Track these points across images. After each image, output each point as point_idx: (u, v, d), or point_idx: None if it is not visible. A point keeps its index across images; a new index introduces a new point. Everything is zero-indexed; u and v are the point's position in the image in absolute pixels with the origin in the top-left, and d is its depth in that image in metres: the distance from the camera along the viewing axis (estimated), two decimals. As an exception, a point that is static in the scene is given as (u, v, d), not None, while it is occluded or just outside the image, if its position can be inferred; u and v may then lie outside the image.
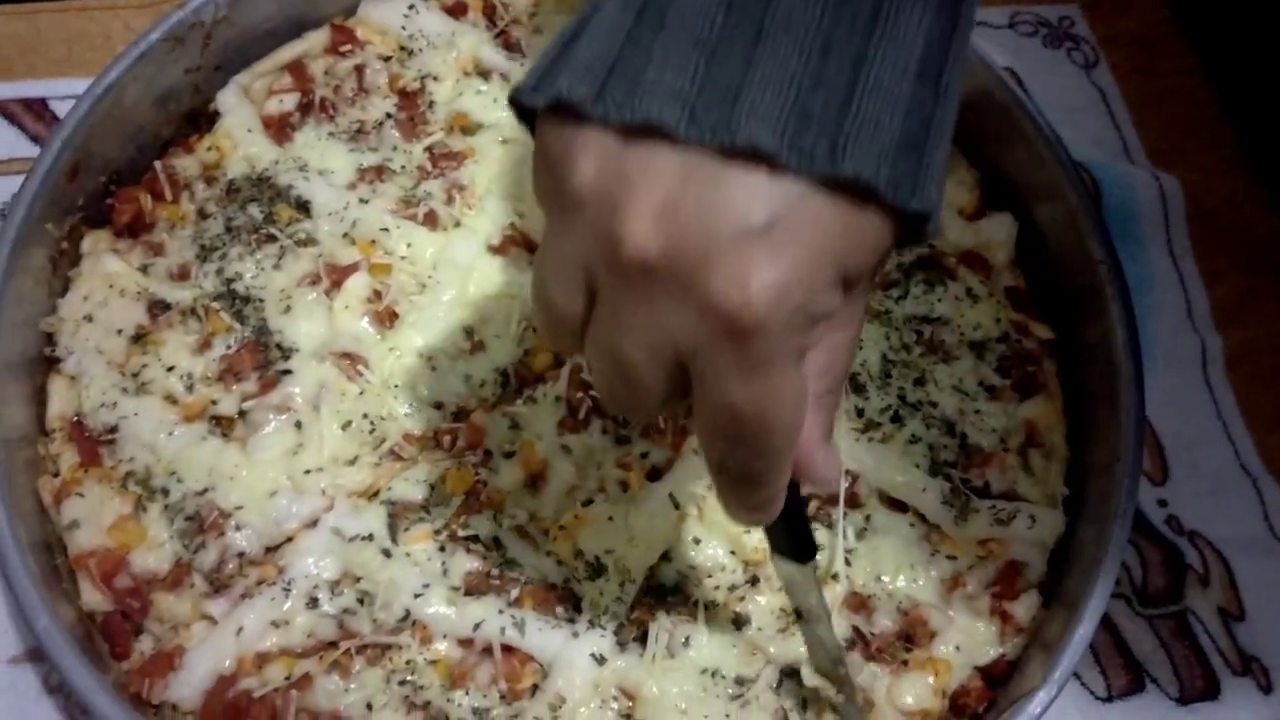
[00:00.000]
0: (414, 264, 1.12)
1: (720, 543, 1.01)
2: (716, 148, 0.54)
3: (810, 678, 0.97)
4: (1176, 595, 1.13)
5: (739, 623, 0.99)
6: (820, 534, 1.02)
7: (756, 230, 0.54)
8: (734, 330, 0.55)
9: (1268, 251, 1.32)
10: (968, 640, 0.99)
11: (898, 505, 1.05)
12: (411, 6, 1.25)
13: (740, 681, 0.97)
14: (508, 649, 0.96)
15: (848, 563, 1.02)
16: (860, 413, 1.08)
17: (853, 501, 1.04)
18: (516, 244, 1.15)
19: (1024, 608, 1.01)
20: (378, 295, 1.09)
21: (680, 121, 0.54)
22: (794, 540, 0.83)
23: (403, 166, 1.18)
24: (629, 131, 0.55)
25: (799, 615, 0.93)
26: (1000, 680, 1.00)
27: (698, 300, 0.55)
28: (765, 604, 1.00)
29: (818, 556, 0.98)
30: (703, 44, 0.55)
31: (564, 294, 0.61)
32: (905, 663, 0.98)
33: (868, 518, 1.04)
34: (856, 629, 0.99)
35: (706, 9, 0.56)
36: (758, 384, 0.58)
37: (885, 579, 1.02)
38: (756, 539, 1.01)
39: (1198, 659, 1.10)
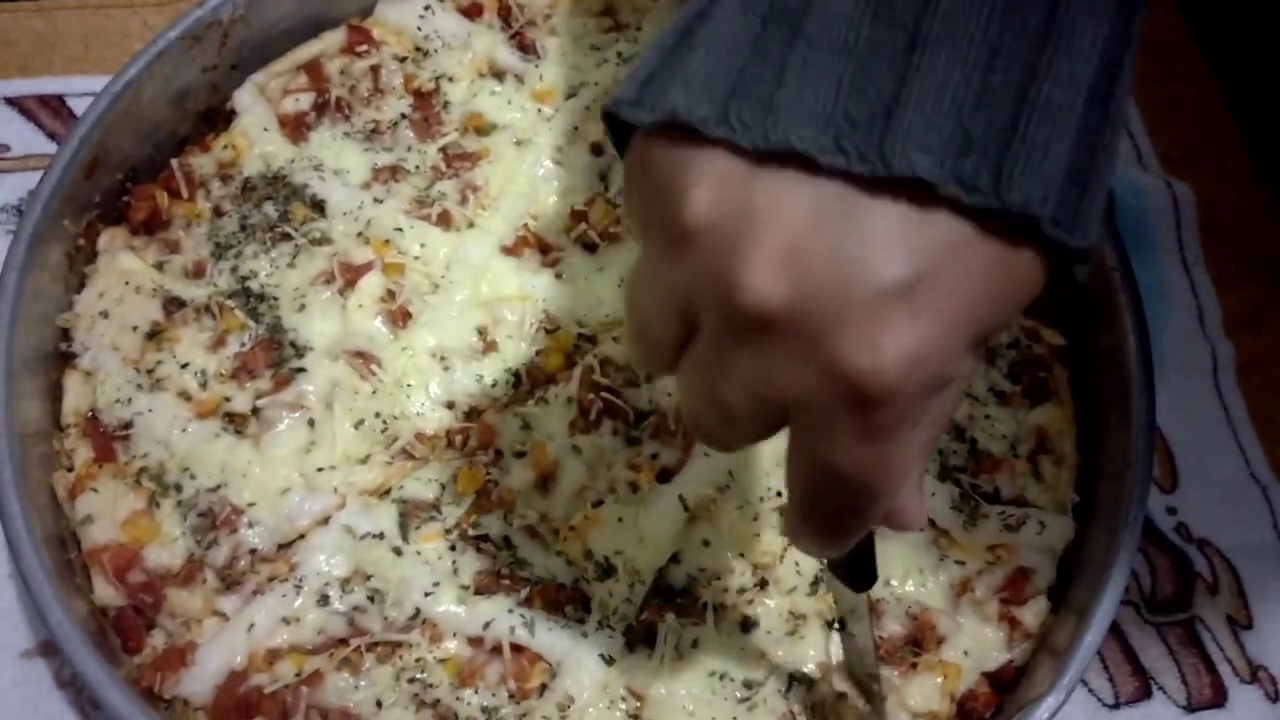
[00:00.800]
0: (427, 264, 1.12)
1: (729, 545, 1.02)
2: (864, 178, 0.47)
3: (840, 684, 0.97)
4: (1185, 603, 1.13)
5: (747, 626, 1.00)
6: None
7: (898, 286, 0.47)
8: (860, 399, 0.50)
9: (1280, 260, 1.33)
10: (976, 645, 0.99)
11: (907, 510, 1.05)
12: (427, 8, 1.26)
13: (748, 684, 0.97)
14: (517, 648, 0.96)
15: (857, 566, 1.02)
16: (870, 417, 1.08)
17: (862, 505, 1.05)
18: (529, 245, 1.15)
19: (1032, 614, 1.01)
20: (391, 295, 1.10)
21: (823, 147, 0.47)
22: (856, 571, 0.81)
23: (417, 167, 1.18)
24: (760, 158, 0.48)
25: (842, 625, 0.93)
26: (1008, 686, 1.00)
27: (822, 362, 0.49)
28: (774, 607, 1.00)
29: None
30: (847, 54, 0.48)
31: (662, 324, 0.55)
32: (914, 665, 0.98)
33: (877, 522, 1.04)
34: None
35: (851, 13, 0.49)
36: (872, 452, 0.53)
37: (894, 583, 1.02)
38: (766, 542, 1.02)
39: (1205, 667, 1.10)
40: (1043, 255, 0.51)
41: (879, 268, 0.47)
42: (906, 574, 1.02)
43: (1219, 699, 1.09)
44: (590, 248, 1.15)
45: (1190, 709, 1.08)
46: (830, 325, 0.48)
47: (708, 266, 0.50)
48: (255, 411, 1.05)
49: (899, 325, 0.48)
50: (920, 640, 1.00)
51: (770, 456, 1.06)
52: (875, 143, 0.47)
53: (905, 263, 0.47)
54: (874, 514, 0.59)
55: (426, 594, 0.97)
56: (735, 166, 0.49)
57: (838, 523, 0.60)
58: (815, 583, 1.01)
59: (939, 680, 0.97)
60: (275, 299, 1.10)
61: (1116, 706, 1.08)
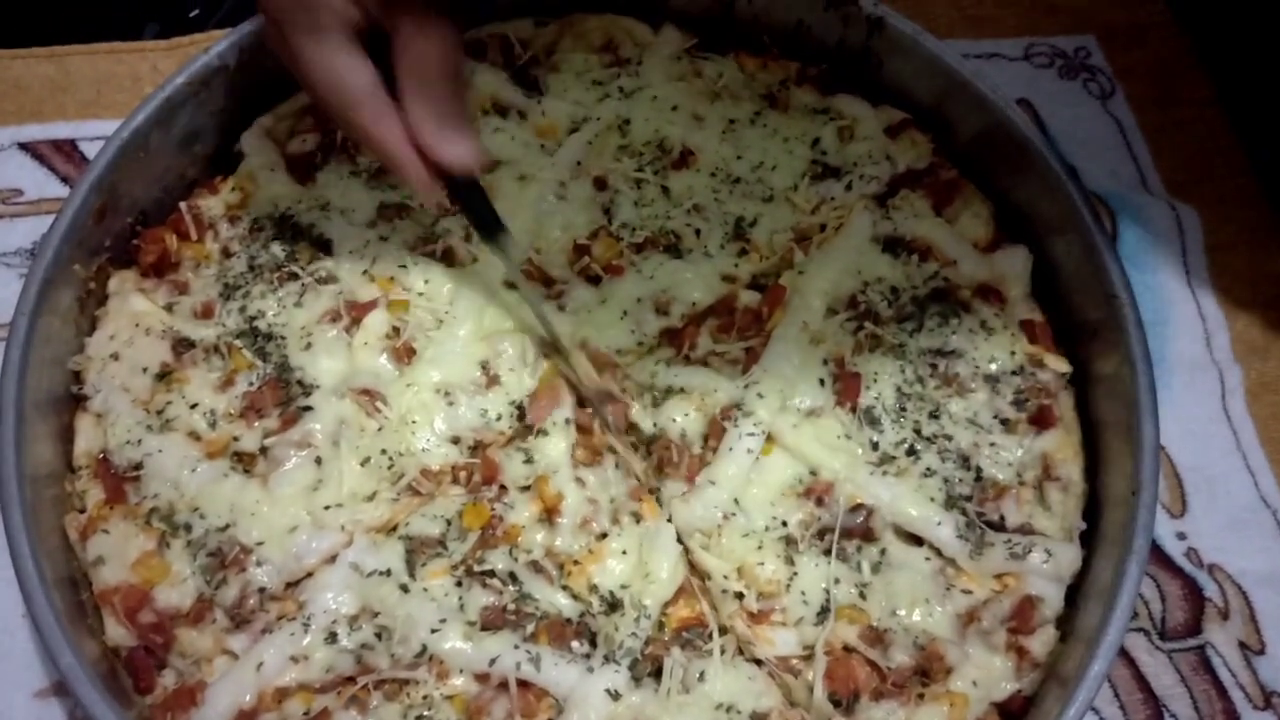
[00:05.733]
0: (431, 300, 1.13)
1: (734, 576, 1.02)
2: None
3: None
4: (1196, 629, 1.13)
5: (754, 657, 1.00)
6: (842, 569, 1.03)
7: None
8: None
9: (1288, 282, 1.32)
10: (984, 675, 0.99)
11: (913, 539, 1.05)
12: (431, 47, 1.27)
13: (755, 717, 0.97)
14: (523, 684, 0.96)
15: (863, 596, 1.02)
16: (875, 446, 1.08)
17: (868, 535, 1.05)
18: (533, 279, 1.16)
19: (1040, 643, 1.00)
20: (396, 332, 1.11)
21: None
22: (476, 220, 1.05)
23: (421, 204, 1.20)
24: None
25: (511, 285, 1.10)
26: (1017, 715, 0.99)
27: None
28: (781, 638, 1.00)
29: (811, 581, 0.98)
30: None
31: None
32: (922, 696, 0.98)
33: (883, 551, 1.04)
34: (873, 663, 0.99)
35: None
36: (287, 51, 0.83)
37: (901, 613, 1.02)
38: (770, 570, 1.02)
39: (1218, 693, 1.10)
40: None
41: None
42: (913, 604, 1.02)
43: (1232, 726, 1.08)
44: (594, 280, 1.16)
45: (1203, 736, 1.08)
46: None
47: None
48: (263, 450, 1.06)
49: None
50: (928, 670, 0.99)
51: (776, 486, 1.06)
52: None
53: None
54: (343, 113, 0.90)
55: (433, 630, 0.97)
56: None
57: (339, 124, 0.95)
58: (822, 612, 1.01)
59: (946, 710, 0.96)
60: (283, 338, 1.11)
61: (1129, 734, 1.08)
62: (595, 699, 0.95)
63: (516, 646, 0.97)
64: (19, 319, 1.03)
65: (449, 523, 1.04)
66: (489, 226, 1.04)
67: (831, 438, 1.08)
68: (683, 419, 1.09)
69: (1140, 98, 1.45)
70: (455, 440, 1.07)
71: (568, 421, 1.08)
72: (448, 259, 1.16)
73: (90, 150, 1.32)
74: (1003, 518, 1.06)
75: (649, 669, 0.98)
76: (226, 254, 1.17)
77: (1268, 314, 1.29)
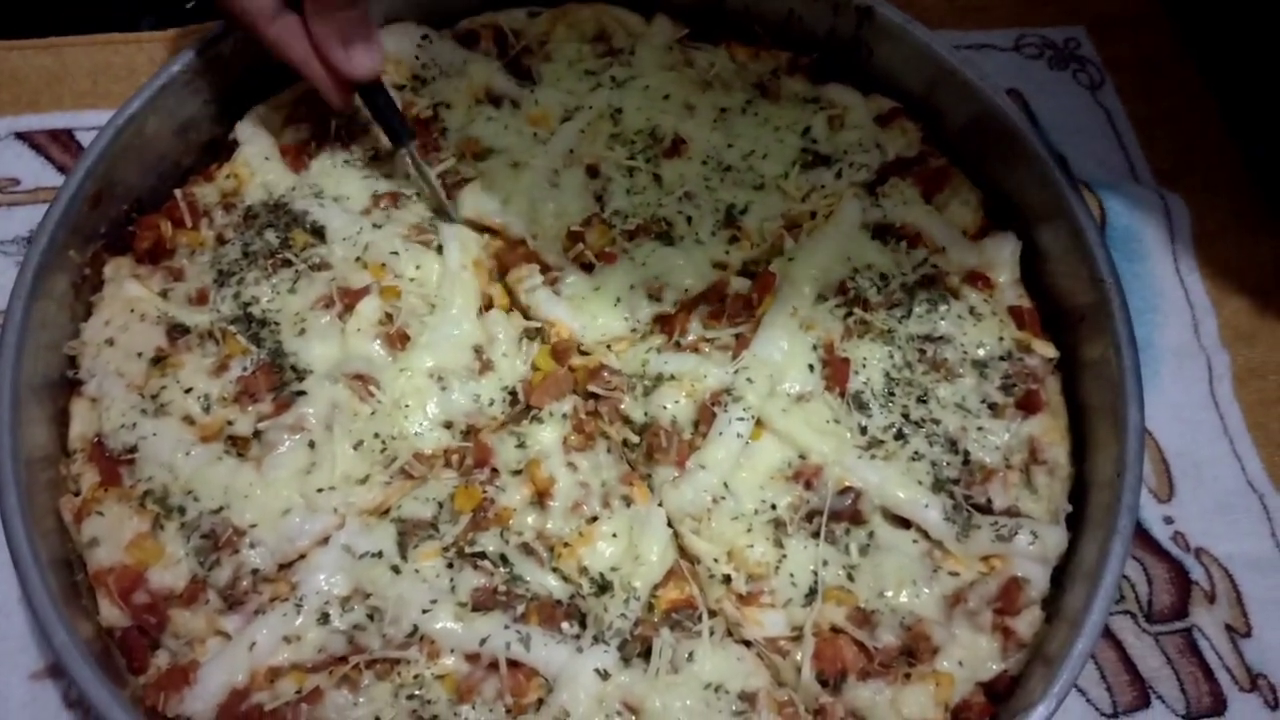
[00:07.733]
0: (422, 286, 1.14)
1: (724, 558, 1.03)
2: None
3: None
4: (1183, 612, 1.14)
5: (743, 638, 1.01)
6: (831, 552, 1.04)
7: None
8: None
9: (1276, 270, 1.33)
10: (970, 655, 1.00)
11: (901, 522, 1.06)
12: (425, 37, 1.28)
13: (744, 697, 0.98)
14: (513, 664, 0.97)
15: (851, 577, 1.03)
16: (864, 430, 1.09)
17: (856, 518, 1.05)
18: (529, 262, 1.18)
19: (1026, 623, 1.01)
20: (389, 318, 1.12)
21: None
22: (383, 124, 1.16)
23: (417, 193, 1.20)
24: None
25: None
26: (1003, 695, 1.00)
27: None
28: (769, 619, 1.01)
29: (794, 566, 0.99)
30: None
31: None
32: (908, 676, 0.98)
33: (871, 534, 1.05)
34: (860, 644, 1.00)
35: None
36: None
37: (888, 594, 1.02)
38: (759, 553, 1.02)
39: (1205, 675, 1.10)
40: None
41: None
42: (900, 585, 1.03)
43: (1218, 707, 1.09)
44: (588, 267, 1.17)
45: (1189, 717, 1.08)
46: None
47: None
48: (257, 434, 1.06)
49: None
50: (915, 651, 1.00)
51: (765, 470, 1.07)
52: None
53: None
54: (255, 29, 1.01)
55: (424, 611, 0.98)
56: None
57: (252, 37, 1.02)
58: (810, 594, 1.02)
59: (932, 690, 0.97)
60: (276, 324, 1.12)
61: (1115, 716, 1.09)
62: (585, 678, 0.96)
63: (507, 627, 0.98)
64: (14, 304, 1.04)
65: (441, 505, 1.05)
66: (395, 130, 1.15)
67: (821, 422, 1.09)
68: (673, 405, 1.10)
69: (1129, 88, 1.46)
70: (448, 424, 1.08)
71: (565, 416, 1.09)
72: (441, 249, 1.17)
73: (87, 140, 1.32)
74: (990, 500, 1.07)
75: (638, 649, 0.99)
76: (221, 241, 1.18)
77: (1255, 300, 1.30)
